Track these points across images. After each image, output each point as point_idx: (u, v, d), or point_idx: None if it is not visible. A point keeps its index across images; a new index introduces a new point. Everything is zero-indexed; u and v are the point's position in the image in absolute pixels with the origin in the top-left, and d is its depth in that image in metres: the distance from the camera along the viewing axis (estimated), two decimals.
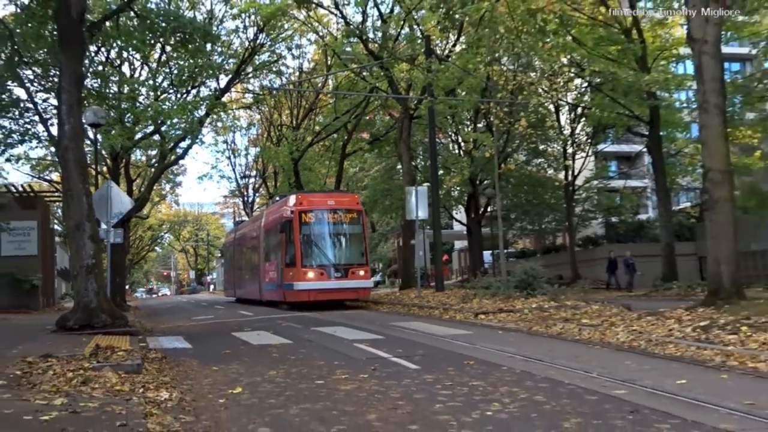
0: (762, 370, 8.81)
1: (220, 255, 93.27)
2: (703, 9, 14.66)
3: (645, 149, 35.10)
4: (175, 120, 25.91)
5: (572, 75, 34.06)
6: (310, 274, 23.10)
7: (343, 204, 25.09)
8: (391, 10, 30.33)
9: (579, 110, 36.42)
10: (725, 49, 20.59)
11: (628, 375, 8.58)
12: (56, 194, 29.83)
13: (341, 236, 24.84)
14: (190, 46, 20.48)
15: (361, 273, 24.06)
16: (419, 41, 29.40)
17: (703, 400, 7.05)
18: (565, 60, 32.35)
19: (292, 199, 25.12)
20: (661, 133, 30.72)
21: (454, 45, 30.21)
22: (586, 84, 34.30)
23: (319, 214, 24.35)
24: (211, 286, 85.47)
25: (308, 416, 6.64)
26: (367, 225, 26.70)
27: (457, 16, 26.75)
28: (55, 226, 32.76)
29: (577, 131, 37.64)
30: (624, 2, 30.63)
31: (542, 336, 13.61)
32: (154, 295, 78.13)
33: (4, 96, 19.99)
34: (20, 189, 27.28)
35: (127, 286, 41.72)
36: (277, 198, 30.92)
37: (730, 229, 14.44)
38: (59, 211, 32.97)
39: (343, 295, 23.88)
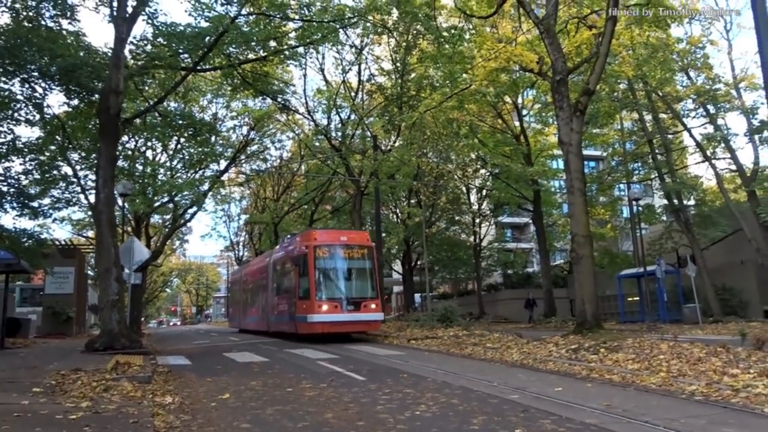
0: (615, 381, 8.93)
1: (222, 292, 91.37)
2: (568, 122, 15.31)
3: (531, 221, 35.84)
4: (185, 192, 25.48)
5: (479, 166, 34.91)
6: (324, 307, 17.84)
7: (355, 240, 19.92)
8: (349, 117, 30.79)
9: (484, 192, 37.16)
10: (585, 152, 21.44)
11: (520, 384, 8.60)
12: (90, 246, 29.13)
13: (354, 271, 19.52)
14: (199, 138, 20.43)
15: (373, 306, 18.67)
16: (369, 139, 29.85)
17: (574, 402, 7.10)
18: (473, 155, 33.17)
19: (308, 235, 20.00)
20: (542, 209, 31.52)
21: (394, 142, 30.74)
22: (488, 173, 35.13)
23: (333, 249, 19.19)
24: (208, 318, 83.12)
25: (280, 415, 6.47)
26: (378, 261, 20.86)
27: (396, 122, 27.31)
28: (89, 271, 31.61)
29: (483, 207, 38.32)
30: (514, 116, 31.73)
31: (457, 356, 13.56)
32: (163, 326, 75.38)
33: (55, 172, 19.56)
34: (62, 243, 26.47)
35: (142, 318, 40.18)
36: (288, 237, 24.93)
37: (591, 278, 14.77)
38: (92, 259, 31.94)
39: (355, 328, 18.81)
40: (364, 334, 19.81)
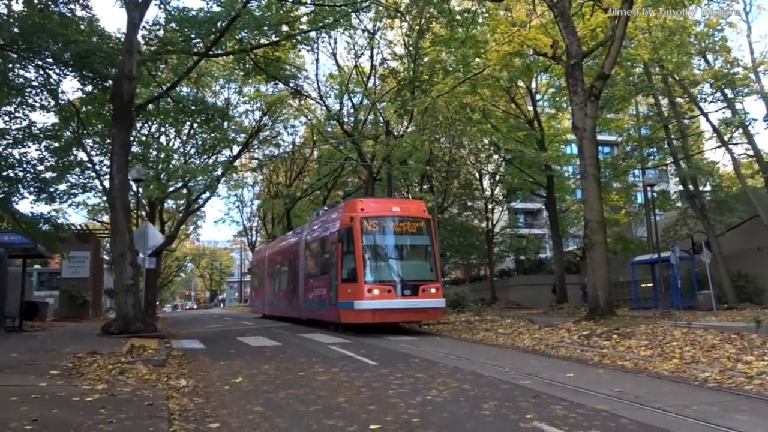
0: (627, 367, 8.91)
1: (236, 277, 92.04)
2: (583, 107, 15.13)
3: (544, 206, 35.63)
4: (198, 178, 25.62)
5: (491, 152, 34.70)
6: (375, 291, 14.60)
7: (410, 211, 16.49)
8: (361, 102, 30.69)
9: (496, 177, 36.97)
10: (599, 137, 21.18)
11: (531, 370, 8.60)
12: (106, 231, 29.37)
13: (409, 248, 16.30)
14: (211, 123, 20.48)
15: (433, 291, 15.31)
16: (381, 124, 29.74)
17: (585, 388, 7.10)
18: (486, 141, 32.98)
19: (352, 205, 16.42)
20: (555, 195, 31.32)
21: (407, 128, 30.57)
22: (501, 158, 34.91)
23: (384, 222, 15.81)
24: (222, 303, 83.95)
25: (292, 399, 6.53)
26: (436, 236, 17.62)
27: (408, 107, 27.18)
28: (104, 256, 31.97)
29: (495, 192, 38.14)
30: (528, 101, 31.45)
31: (468, 341, 13.59)
32: (178, 310, 76.16)
33: (70, 158, 19.74)
34: (79, 227, 26.75)
35: (157, 303, 40.60)
36: (325, 208, 21.65)
37: (604, 264, 14.69)
38: (107, 244, 32.24)
39: (411, 317, 15.66)
40: (417, 324, 17.20)
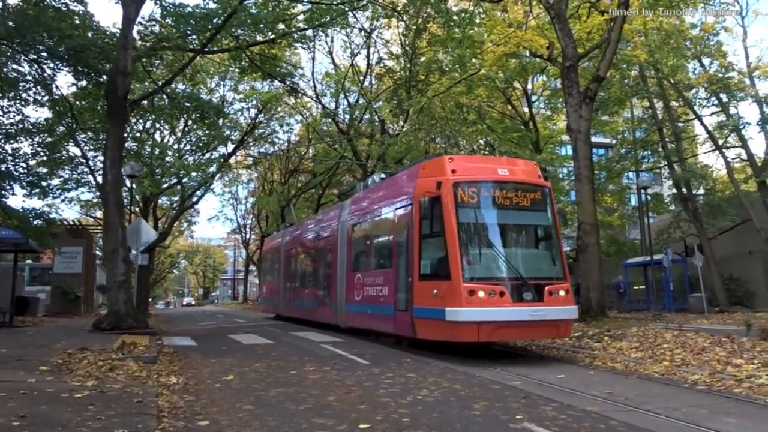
0: (618, 369, 8.95)
1: (229, 274, 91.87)
2: (578, 109, 15.18)
3: None
4: (193, 174, 25.58)
5: (487, 152, 34.70)
6: (480, 294, 9.44)
7: (522, 175, 10.97)
8: (357, 101, 30.67)
9: None
10: (594, 139, 21.27)
11: (522, 371, 8.62)
12: (98, 227, 29.31)
13: (525, 230, 11.14)
14: (206, 120, 20.39)
15: (562, 294, 10.01)
16: (376, 123, 29.74)
17: (576, 390, 7.13)
18: (482, 141, 32.99)
19: (438, 165, 10.81)
20: None
21: (402, 127, 30.58)
22: None
23: (489, 191, 10.41)
24: (215, 300, 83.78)
25: (283, 397, 6.52)
26: (558, 214, 11.33)
27: (404, 106, 27.19)
28: (97, 252, 31.85)
29: None
30: (524, 102, 31.49)
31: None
32: (171, 306, 75.94)
33: (64, 153, 19.69)
34: (71, 223, 26.65)
35: (150, 299, 40.46)
36: (381, 175, 15.49)
37: (596, 266, 14.75)
38: (100, 240, 32.17)
39: (536, 333, 10.47)
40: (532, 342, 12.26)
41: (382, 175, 15.12)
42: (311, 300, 18.25)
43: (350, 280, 14.28)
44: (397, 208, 11.93)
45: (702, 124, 26.42)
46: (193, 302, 78.99)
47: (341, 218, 15.80)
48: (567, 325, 10.32)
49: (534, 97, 31.74)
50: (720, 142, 25.76)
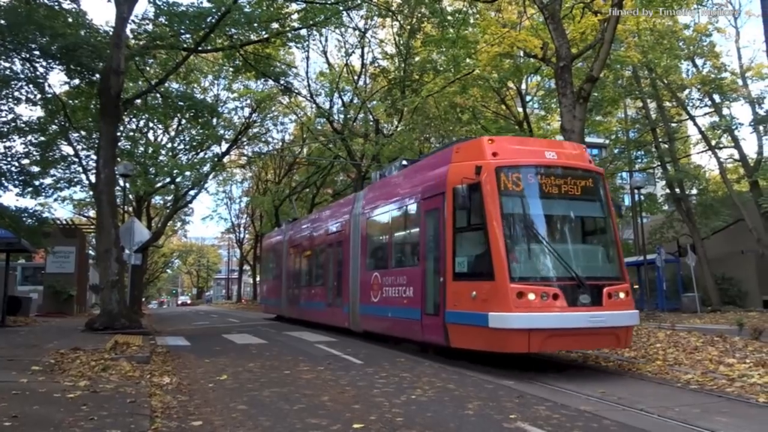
0: (611, 368, 8.99)
1: (222, 274, 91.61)
2: (571, 109, 15.22)
3: None
4: (186, 174, 25.50)
5: None
6: (530, 297, 8.03)
7: (573, 159, 9.55)
8: (351, 100, 30.66)
9: None
10: (588, 139, 21.29)
11: (515, 370, 8.62)
12: (91, 227, 29.24)
13: (578, 223, 9.48)
14: (200, 120, 20.36)
15: (622, 296, 8.55)
16: (371, 123, 29.73)
17: (569, 389, 7.15)
18: None
19: (476, 147, 9.37)
20: None
21: (396, 127, 30.57)
22: None
23: (537, 178, 9.00)
24: (208, 300, 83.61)
25: (277, 397, 6.51)
26: (612, 203, 9.66)
27: (398, 105, 27.19)
28: (90, 251, 31.73)
29: None
30: (518, 102, 31.56)
31: None
32: (165, 306, 75.65)
33: (56, 152, 19.61)
34: (64, 222, 26.54)
35: (143, 299, 40.27)
36: (403, 162, 13.41)
37: None
38: (93, 239, 32.06)
39: (596, 343, 8.94)
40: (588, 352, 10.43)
41: (404, 162, 13.21)
42: (319, 300, 16.88)
43: (366, 279, 12.92)
44: (424, 198, 10.37)
45: (695, 124, 26.58)
46: (189, 301, 78.71)
47: (354, 211, 14.29)
48: (628, 334, 8.75)
49: (528, 97, 31.79)
50: (713, 142, 25.93)
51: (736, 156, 25.85)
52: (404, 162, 13.24)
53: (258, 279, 54.97)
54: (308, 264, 18.70)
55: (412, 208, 11.07)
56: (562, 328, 8.04)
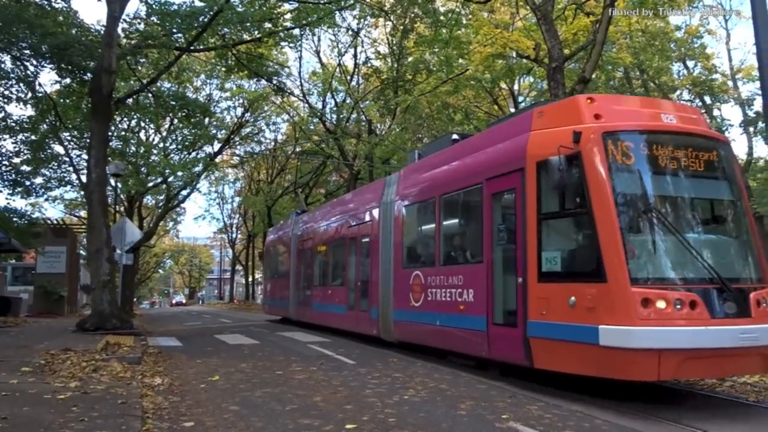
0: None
1: (215, 274, 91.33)
2: None
3: None
4: (178, 173, 25.43)
5: None
6: (660, 305, 5.90)
7: (695, 126, 7.18)
8: (344, 100, 30.66)
9: None
10: None
11: (508, 370, 8.63)
12: (82, 226, 29.04)
13: (709, 207, 7.02)
14: (192, 119, 20.26)
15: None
16: (363, 123, 29.74)
17: (562, 389, 7.16)
18: None
19: (570, 109, 7.22)
20: None
21: (389, 126, 30.59)
22: None
23: (658, 147, 6.63)
24: (200, 300, 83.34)
25: (269, 398, 6.50)
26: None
27: (391, 105, 27.22)
28: (81, 251, 31.53)
29: None
30: (510, 103, 31.65)
31: None
32: (157, 306, 75.26)
33: (47, 151, 19.49)
34: (55, 222, 26.37)
35: (135, 299, 40.06)
36: (454, 136, 11.12)
37: None
38: (84, 239, 31.90)
39: (743, 367, 6.58)
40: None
41: (454, 137, 10.99)
42: (337, 303, 14.62)
43: (402, 279, 10.81)
44: (490, 178, 8.23)
45: None
46: (184, 301, 78.26)
47: (385, 199, 12.10)
48: None
49: (521, 98, 31.90)
50: None
51: None
52: (455, 137, 10.99)
53: (251, 279, 54.94)
54: (323, 260, 16.45)
55: (472, 190, 8.85)
56: (704, 348, 5.93)
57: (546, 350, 6.89)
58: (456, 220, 9.81)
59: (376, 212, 12.48)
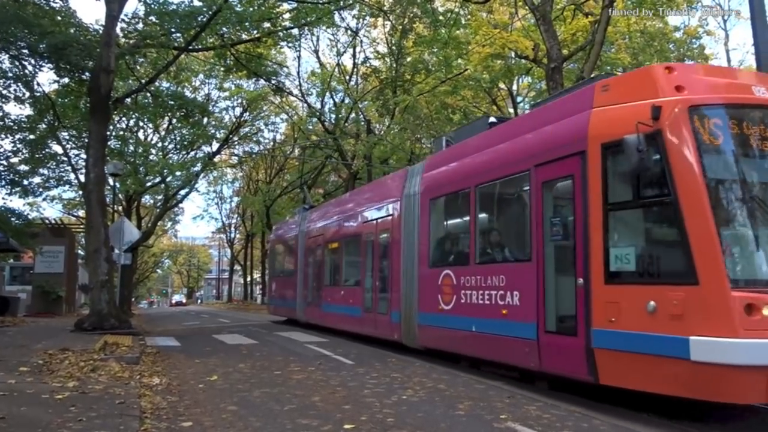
0: None
1: (213, 274, 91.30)
2: None
3: None
4: (177, 173, 25.43)
5: None
6: (766, 312, 4.80)
7: None
8: (343, 100, 30.67)
9: None
10: None
11: (507, 370, 8.64)
12: (81, 226, 29.07)
13: None
14: (191, 119, 20.26)
15: None
16: (362, 123, 29.75)
17: (559, 389, 7.16)
18: None
19: (644, 80, 6.02)
20: None
21: (388, 127, 30.61)
22: None
23: (752, 124, 5.56)
24: (199, 300, 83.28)
25: (267, 398, 6.50)
26: None
27: (389, 105, 27.24)
28: (79, 251, 31.50)
29: None
30: (509, 103, 31.68)
31: None
32: (155, 306, 75.18)
33: (45, 151, 19.49)
34: (53, 221, 26.36)
35: (133, 299, 40.00)
36: (492, 119, 9.73)
37: None
38: (82, 239, 31.87)
39: None
40: None
41: (492, 119, 9.73)
42: (352, 304, 13.39)
43: (429, 279, 9.70)
44: (540, 164, 7.13)
45: None
46: (184, 301, 78.10)
47: (407, 191, 10.91)
48: None
49: (519, 98, 31.92)
50: None
51: None
52: (492, 119, 9.78)
53: (249, 279, 54.92)
54: (335, 259, 15.25)
55: (515, 179, 7.81)
56: None
57: (615, 364, 5.84)
58: (496, 213, 8.75)
59: (397, 206, 11.29)
